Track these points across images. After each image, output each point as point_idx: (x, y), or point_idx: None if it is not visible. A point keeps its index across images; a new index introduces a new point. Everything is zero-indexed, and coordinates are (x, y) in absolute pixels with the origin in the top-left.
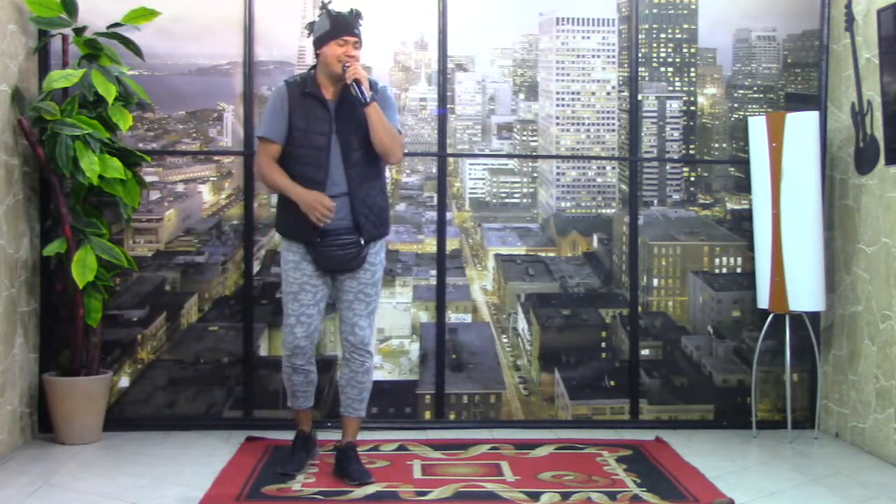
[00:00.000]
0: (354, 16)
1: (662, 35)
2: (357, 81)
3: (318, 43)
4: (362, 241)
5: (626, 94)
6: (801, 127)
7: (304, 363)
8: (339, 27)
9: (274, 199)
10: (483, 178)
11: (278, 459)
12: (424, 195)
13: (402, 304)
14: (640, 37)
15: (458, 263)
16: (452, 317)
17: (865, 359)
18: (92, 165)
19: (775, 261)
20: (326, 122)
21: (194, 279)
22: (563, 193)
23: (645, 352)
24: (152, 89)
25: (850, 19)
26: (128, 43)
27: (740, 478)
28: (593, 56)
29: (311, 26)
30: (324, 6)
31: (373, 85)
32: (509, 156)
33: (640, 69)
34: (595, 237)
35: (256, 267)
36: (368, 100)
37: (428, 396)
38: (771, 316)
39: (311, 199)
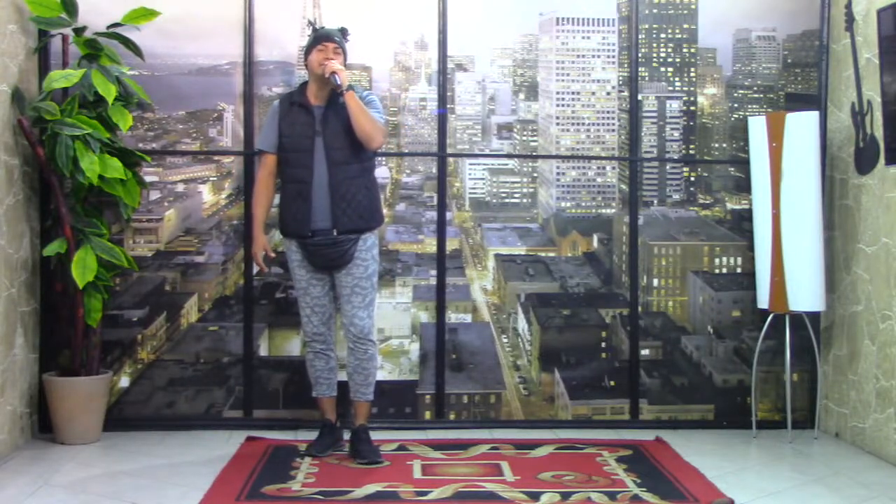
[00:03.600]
0: (338, 30)
1: (662, 35)
2: (334, 73)
3: (305, 55)
4: (335, 233)
5: (626, 94)
6: (801, 127)
7: (325, 347)
8: (319, 37)
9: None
10: (483, 178)
11: (281, 455)
12: (424, 195)
13: (402, 304)
14: (640, 37)
15: (458, 263)
16: (452, 317)
17: (865, 359)
18: (92, 165)
19: (775, 261)
20: (310, 126)
21: (194, 279)
22: (563, 193)
23: (645, 352)
24: (152, 89)
25: (850, 19)
26: (128, 43)
27: (740, 478)
28: (593, 56)
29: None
30: (310, 24)
31: (356, 89)
32: (509, 156)
33: (640, 69)
34: (595, 237)
35: (256, 267)
36: (345, 88)
37: (428, 396)
38: (771, 316)
39: (256, 247)
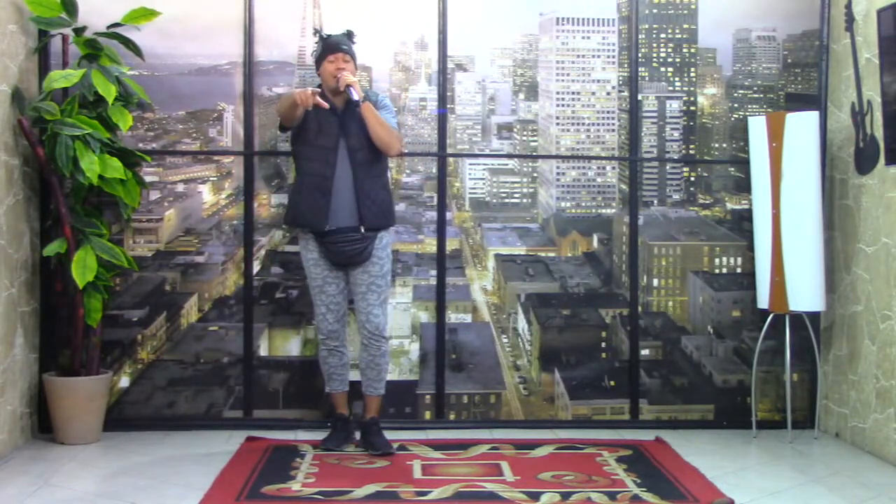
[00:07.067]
0: (344, 35)
1: (662, 35)
2: (349, 86)
3: (317, 65)
4: (363, 230)
5: (626, 94)
6: (801, 127)
7: (339, 345)
8: (328, 47)
9: (274, 199)
10: (483, 178)
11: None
12: (424, 195)
13: (402, 304)
14: (640, 37)
15: (458, 263)
16: (452, 317)
17: (865, 359)
18: (92, 165)
19: (775, 261)
20: (335, 125)
21: (194, 279)
22: (563, 193)
23: (645, 352)
24: (152, 89)
25: (850, 19)
26: (128, 43)
27: (740, 478)
28: (593, 56)
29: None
30: (316, 32)
31: (369, 95)
32: (509, 156)
33: (640, 69)
34: (595, 237)
35: (256, 267)
36: (361, 101)
37: (428, 396)
38: (771, 316)
39: (299, 90)
